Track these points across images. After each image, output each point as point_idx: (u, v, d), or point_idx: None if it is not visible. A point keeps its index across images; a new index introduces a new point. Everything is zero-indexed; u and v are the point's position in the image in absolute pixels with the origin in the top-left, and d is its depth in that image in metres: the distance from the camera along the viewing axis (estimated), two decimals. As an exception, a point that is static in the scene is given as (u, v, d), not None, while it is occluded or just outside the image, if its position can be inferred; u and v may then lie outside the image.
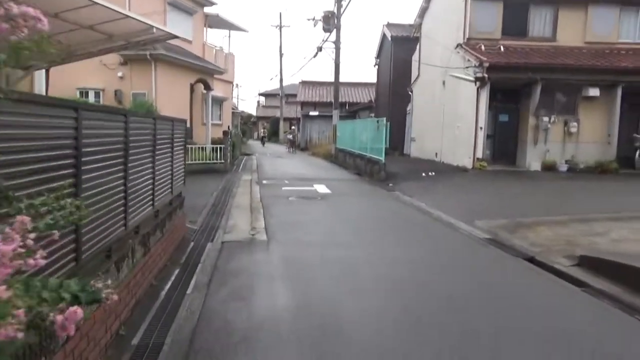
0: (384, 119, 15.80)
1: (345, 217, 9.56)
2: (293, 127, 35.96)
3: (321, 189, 13.49)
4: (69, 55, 7.93)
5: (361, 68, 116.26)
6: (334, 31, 26.06)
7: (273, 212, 9.81)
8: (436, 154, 20.11)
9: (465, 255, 6.87)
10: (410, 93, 24.96)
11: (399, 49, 27.08)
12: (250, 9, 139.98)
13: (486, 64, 15.13)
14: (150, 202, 5.54)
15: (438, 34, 19.98)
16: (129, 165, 4.57)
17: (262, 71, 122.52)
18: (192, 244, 7.21)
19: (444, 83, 19.37)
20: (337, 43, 26.26)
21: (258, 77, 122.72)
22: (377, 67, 33.26)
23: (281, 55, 48.83)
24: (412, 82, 24.76)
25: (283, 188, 13.59)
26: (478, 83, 15.56)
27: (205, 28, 22.75)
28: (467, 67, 15.94)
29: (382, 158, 15.67)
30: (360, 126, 19.96)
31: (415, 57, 24.32)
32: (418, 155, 23.04)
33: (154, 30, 7.52)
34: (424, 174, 15.78)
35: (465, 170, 15.76)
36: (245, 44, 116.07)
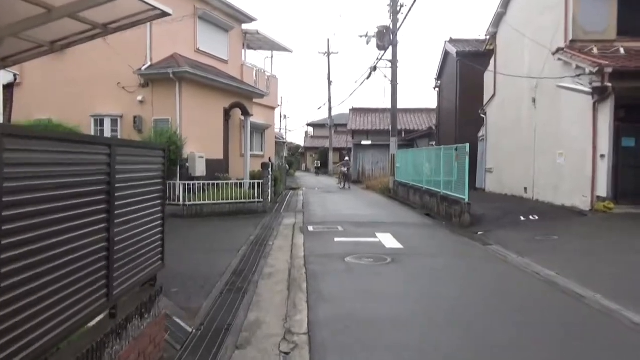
0: (466, 145, 12.08)
1: (443, 305, 5.75)
2: (347, 158, 30.77)
3: (388, 240, 9.85)
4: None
5: (417, 93, 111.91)
6: (390, 49, 22.85)
7: (323, 290, 6.26)
8: (525, 189, 16.01)
9: None
10: (483, 116, 21.07)
11: (466, 66, 23.32)
12: (295, 32, 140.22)
13: (608, 70, 11.19)
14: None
15: (522, 41, 16.20)
16: None
17: (310, 100, 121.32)
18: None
19: (534, 100, 15.46)
20: (393, 61, 23.00)
21: (305, 106, 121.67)
22: (437, 89, 29.58)
23: (330, 83, 46.40)
24: (485, 103, 20.90)
25: (336, 239, 10.05)
26: (596, 96, 11.61)
27: (244, 48, 20.07)
28: (578, 76, 12.02)
29: (466, 196, 11.87)
30: (428, 155, 16.26)
31: (488, 73, 20.53)
32: (496, 189, 18.94)
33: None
34: (522, 218, 11.80)
35: (582, 214, 11.65)
36: (290, 71, 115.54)
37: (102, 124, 14.50)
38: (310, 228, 11.60)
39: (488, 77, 20.57)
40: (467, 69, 23.20)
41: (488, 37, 20.55)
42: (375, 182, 26.12)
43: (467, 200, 11.83)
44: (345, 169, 27.95)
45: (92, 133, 14.60)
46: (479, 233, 10.83)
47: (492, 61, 20.08)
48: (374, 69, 23.18)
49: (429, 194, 15.46)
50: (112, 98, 14.63)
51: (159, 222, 4.40)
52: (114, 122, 14.56)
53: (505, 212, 12.84)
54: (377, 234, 10.57)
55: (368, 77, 24.36)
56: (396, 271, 7.29)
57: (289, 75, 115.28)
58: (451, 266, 7.78)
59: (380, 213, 15.14)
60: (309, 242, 9.81)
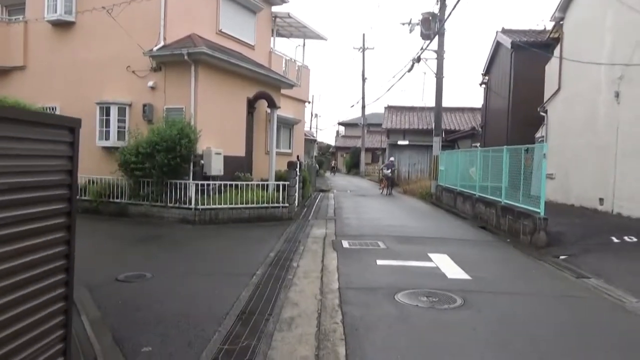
0: (543, 145, 9.66)
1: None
2: (392, 159, 25.71)
3: (447, 266, 7.56)
4: None
5: (459, 91, 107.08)
6: (435, 38, 20.39)
7: (370, 355, 4.08)
8: (601, 199, 13.35)
9: None
10: (543, 114, 18.37)
11: (523, 58, 20.65)
12: (328, 24, 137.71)
13: None
14: None
15: (601, 24, 13.56)
16: None
17: (342, 98, 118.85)
18: None
19: (617, 94, 12.80)
20: (439, 52, 20.58)
21: (337, 104, 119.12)
22: (484, 85, 26.88)
23: (364, 79, 44.07)
24: (546, 99, 18.21)
25: (378, 261, 7.82)
26: None
27: (273, 35, 18.04)
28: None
29: (541, 210, 9.42)
30: (484, 157, 13.81)
31: (551, 66, 17.86)
32: (558, 199, 16.26)
33: None
34: (614, 239, 9.27)
35: (698, 235, 9.06)
36: (321, 66, 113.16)
37: (107, 113, 12.69)
38: (345, 243, 9.39)
39: (551, 69, 17.89)
40: (523, 62, 20.55)
41: (553, 24, 17.87)
42: (414, 185, 23.70)
43: (542, 214, 9.38)
44: (389, 171, 23.30)
45: (97, 122, 12.84)
46: (561, 257, 8.41)
47: (556, 51, 17.40)
48: (417, 60, 20.75)
49: (484, 203, 13.02)
50: (120, 84, 12.81)
51: (60, 277, 2.36)
52: (122, 110, 12.73)
53: (585, 228, 10.31)
54: (431, 255, 8.28)
55: (410, 70, 21.95)
56: (473, 324, 5.00)
57: (320, 71, 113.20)
58: (551, 316, 5.41)
59: (427, 225, 12.79)
60: (344, 264, 7.61)
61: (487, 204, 12.82)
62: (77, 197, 12.51)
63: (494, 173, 12.68)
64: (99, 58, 13.01)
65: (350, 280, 6.61)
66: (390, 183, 23.08)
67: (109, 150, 12.73)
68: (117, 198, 12.21)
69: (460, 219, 14.15)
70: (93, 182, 12.55)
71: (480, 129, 28.70)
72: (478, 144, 27.25)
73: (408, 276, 6.92)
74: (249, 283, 6.36)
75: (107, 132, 12.74)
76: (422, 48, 20.85)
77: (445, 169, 18.73)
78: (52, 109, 13.91)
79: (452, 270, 7.29)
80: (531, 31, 22.80)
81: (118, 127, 12.70)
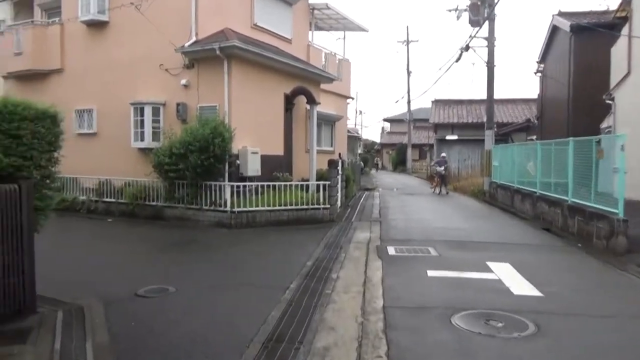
0: (620, 135, 8.34)
1: None
2: (443, 154, 22.64)
3: (511, 278, 6.49)
4: None
5: (511, 81, 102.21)
6: (485, 24, 18.95)
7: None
8: (685, 196, 11.69)
9: None
10: (609, 102, 16.60)
11: (583, 42, 18.88)
12: (369, 16, 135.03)
13: None
14: None
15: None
16: None
17: (386, 93, 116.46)
18: None
19: None
20: (489, 39, 19.13)
21: (381, 100, 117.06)
22: (540, 74, 25.03)
23: (409, 73, 42.69)
24: (612, 85, 16.45)
25: (429, 272, 6.83)
26: None
27: (311, 28, 17.28)
28: None
29: (619, 210, 8.11)
30: (545, 151, 12.45)
31: (617, 48, 16.11)
32: (633, 195, 14.54)
33: None
34: None
35: None
36: (363, 61, 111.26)
37: (142, 113, 12.32)
38: (391, 250, 8.45)
39: (618, 52, 16.14)
40: (584, 47, 18.81)
41: (619, 2, 16.10)
42: (465, 182, 22.28)
43: (621, 215, 8.08)
44: (442, 169, 20.78)
45: (131, 123, 12.50)
46: (651, 268, 7.12)
47: (624, 31, 15.64)
48: (466, 48, 19.36)
49: (547, 202, 11.69)
50: (154, 83, 12.41)
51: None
52: (156, 110, 12.32)
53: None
54: (491, 265, 7.22)
55: (457, 60, 20.54)
56: None
57: (363, 66, 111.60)
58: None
59: (483, 226, 11.60)
60: (390, 275, 6.69)
61: (550, 202, 11.48)
62: (114, 200, 12.25)
63: (558, 168, 11.34)
64: (132, 57, 12.68)
65: (397, 296, 5.69)
66: (443, 181, 20.88)
67: (144, 151, 12.36)
68: (153, 201, 11.80)
69: (519, 219, 12.83)
70: (129, 185, 12.21)
71: (536, 121, 26.82)
72: (534, 137, 25.42)
73: (465, 292, 5.92)
74: (281, 299, 5.57)
75: (142, 133, 12.37)
76: (470, 36, 19.46)
77: (500, 164, 17.32)
78: (89, 111, 13.74)
79: (518, 284, 6.22)
80: (592, 13, 20.91)
81: (152, 127, 12.31)
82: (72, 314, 5.13)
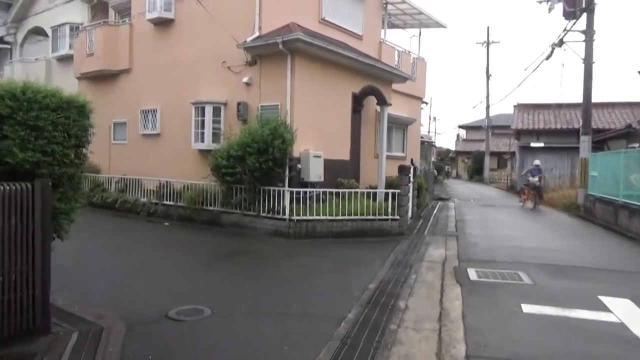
0: None
1: None
2: (537, 162, 19.03)
3: (637, 321, 4.92)
4: None
5: (607, 84, 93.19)
6: (583, 16, 16.75)
7: None
8: None
9: None
10: None
11: None
12: (446, 14, 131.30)
13: None
14: None
15: None
16: None
17: (462, 99, 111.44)
18: None
19: None
20: (588, 32, 16.88)
21: (457, 106, 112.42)
22: (646, 73, 22.02)
23: (488, 77, 40.18)
24: None
25: (524, 307, 5.39)
26: None
27: (383, 26, 16.12)
28: None
29: None
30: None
31: None
32: None
33: None
34: None
35: None
36: (438, 64, 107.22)
37: (202, 113, 11.78)
38: (472, 273, 7.05)
39: None
40: None
41: None
42: (553, 194, 19.92)
43: None
44: (536, 179, 17.70)
45: (192, 124, 12.01)
46: None
47: None
48: (559, 43, 17.25)
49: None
50: (215, 82, 11.85)
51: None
52: (217, 110, 11.73)
53: None
54: (605, 300, 5.64)
55: (548, 58, 18.43)
56: None
57: (437, 69, 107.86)
58: None
59: (583, 247, 9.77)
60: (474, 309, 5.35)
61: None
62: (173, 203, 11.79)
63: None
64: (195, 55, 12.24)
65: (485, 342, 4.37)
66: (538, 193, 17.63)
67: (203, 153, 11.82)
68: (210, 205, 11.17)
69: (628, 240, 10.78)
70: (187, 188, 11.70)
71: (639, 127, 23.66)
72: (637, 145, 22.39)
73: (577, 339, 4.48)
74: (334, 335, 4.46)
75: (202, 134, 11.83)
76: (565, 30, 17.33)
77: (600, 174, 15.08)
78: (153, 111, 13.50)
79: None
80: None
81: (213, 128, 11.73)
82: (87, 338, 4.35)
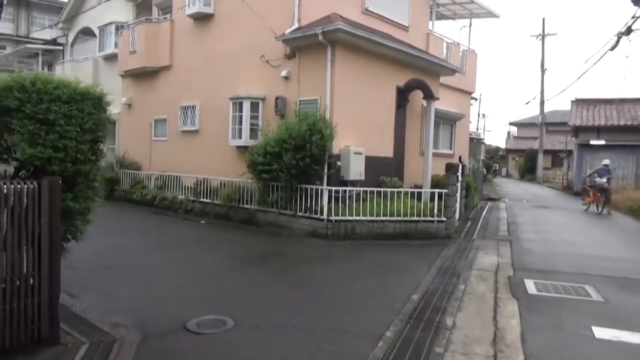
0: None
1: None
2: (606, 162, 16.69)
3: None
4: None
5: None
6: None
7: None
8: None
9: None
10: None
11: None
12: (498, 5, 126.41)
13: None
14: None
15: None
16: None
17: (513, 95, 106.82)
18: None
19: None
20: (661, 18, 15.26)
21: (507, 103, 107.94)
22: None
23: (543, 71, 37.98)
24: None
25: (597, 331, 4.59)
26: None
27: (431, 17, 15.25)
28: None
29: None
30: None
31: None
32: None
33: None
34: None
35: None
36: (489, 57, 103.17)
37: (240, 109, 11.41)
38: (530, 285, 6.24)
39: None
40: None
41: None
42: (617, 196, 18.29)
43: None
44: (604, 180, 15.69)
45: (230, 119, 11.69)
46: None
47: None
48: (627, 31, 15.73)
49: None
50: (254, 77, 11.47)
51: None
52: (255, 105, 11.33)
53: None
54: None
55: (612, 48, 16.91)
56: None
57: (487, 62, 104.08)
58: None
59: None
60: (534, 331, 4.61)
61: None
62: (210, 200, 11.51)
63: None
64: (233, 50, 11.90)
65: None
66: (605, 196, 15.66)
67: (240, 149, 11.47)
68: (247, 203, 10.80)
69: None
70: (224, 185, 11.39)
71: None
72: None
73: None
74: (369, 358, 3.87)
75: (240, 130, 11.48)
76: (633, 17, 15.82)
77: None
78: (192, 107, 13.30)
79: None
80: None
81: (250, 124, 11.35)
82: (97, 350, 3.98)
